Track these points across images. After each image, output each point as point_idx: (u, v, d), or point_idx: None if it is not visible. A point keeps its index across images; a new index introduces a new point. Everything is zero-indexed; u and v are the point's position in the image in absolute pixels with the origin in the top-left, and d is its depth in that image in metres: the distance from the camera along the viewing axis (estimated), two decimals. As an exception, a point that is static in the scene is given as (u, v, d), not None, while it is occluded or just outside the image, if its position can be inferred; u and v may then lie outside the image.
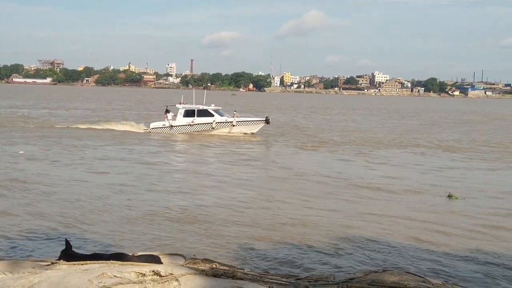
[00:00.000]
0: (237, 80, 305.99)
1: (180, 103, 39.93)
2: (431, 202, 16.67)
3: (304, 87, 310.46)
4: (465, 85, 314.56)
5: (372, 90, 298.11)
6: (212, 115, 38.53)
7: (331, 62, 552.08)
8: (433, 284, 7.14)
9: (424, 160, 27.93)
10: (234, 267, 7.11)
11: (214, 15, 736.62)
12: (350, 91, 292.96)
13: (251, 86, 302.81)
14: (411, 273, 7.52)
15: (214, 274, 5.61)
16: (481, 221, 14.43)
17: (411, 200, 17.01)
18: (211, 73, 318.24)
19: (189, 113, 38.62)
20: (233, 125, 38.48)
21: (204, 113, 38.63)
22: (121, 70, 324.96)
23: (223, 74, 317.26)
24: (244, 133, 38.52)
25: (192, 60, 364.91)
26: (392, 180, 20.82)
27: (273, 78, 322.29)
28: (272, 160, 27.13)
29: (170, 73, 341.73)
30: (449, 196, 17.00)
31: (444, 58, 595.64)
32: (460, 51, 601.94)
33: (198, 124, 38.25)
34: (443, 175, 22.76)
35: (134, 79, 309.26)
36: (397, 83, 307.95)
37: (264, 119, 39.55)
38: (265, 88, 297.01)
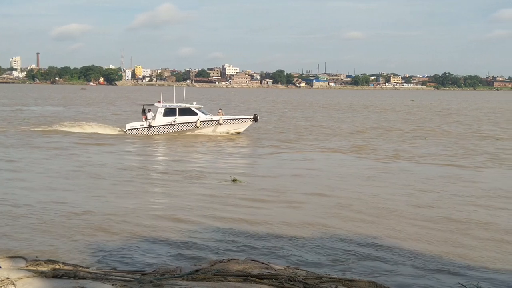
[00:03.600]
0: (86, 73, 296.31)
1: (159, 102, 36.87)
2: (216, 185, 18.13)
3: (156, 80, 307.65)
4: (310, 76, 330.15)
5: (223, 83, 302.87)
6: (196, 114, 35.65)
7: (183, 55, 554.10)
8: (275, 270, 7.52)
9: (222, 148, 29.52)
10: (78, 266, 6.99)
11: (63, 6, 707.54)
12: (202, 83, 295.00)
13: (101, 79, 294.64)
14: (255, 261, 7.86)
15: (55, 275, 5.50)
16: (254, 198, 16.04)
17: (198, 184, 18.35)
18: (59, 67, 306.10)
19: (169, 112, 35.64)
20: (220, 124, 35.73)
21: (186, 111, 35.65)
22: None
23: (72, 67, 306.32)
24: (231, 133, 35.94)
25: (38, 53, 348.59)
26: (183, 167, 22.20)
27: (124, 71, 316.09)
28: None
29: (14, 67, 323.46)
30: (234, 180, 18.65)
31: (290, 50, 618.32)
32: (305, 44, 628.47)
33: (181, 123, 35.46)
34: (235, 161, 24.87)
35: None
36: (247, 75, 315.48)
37: (252, 117, 36.91)
38: (116, 82, 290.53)
